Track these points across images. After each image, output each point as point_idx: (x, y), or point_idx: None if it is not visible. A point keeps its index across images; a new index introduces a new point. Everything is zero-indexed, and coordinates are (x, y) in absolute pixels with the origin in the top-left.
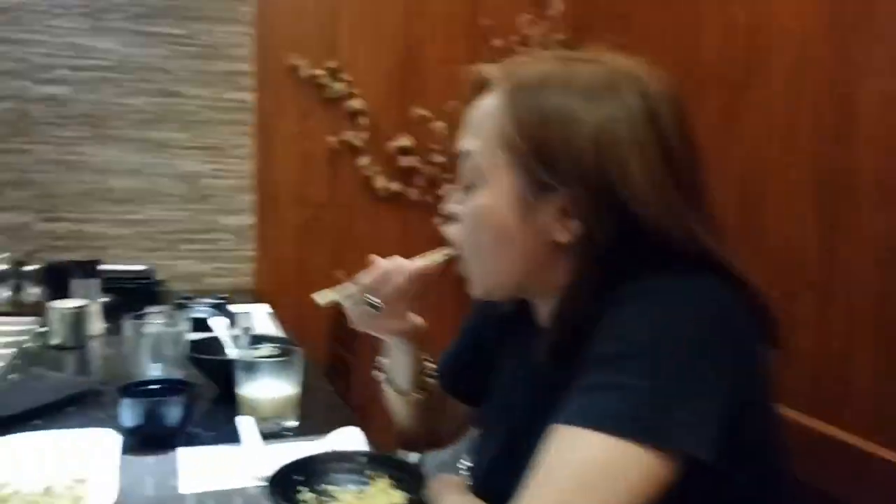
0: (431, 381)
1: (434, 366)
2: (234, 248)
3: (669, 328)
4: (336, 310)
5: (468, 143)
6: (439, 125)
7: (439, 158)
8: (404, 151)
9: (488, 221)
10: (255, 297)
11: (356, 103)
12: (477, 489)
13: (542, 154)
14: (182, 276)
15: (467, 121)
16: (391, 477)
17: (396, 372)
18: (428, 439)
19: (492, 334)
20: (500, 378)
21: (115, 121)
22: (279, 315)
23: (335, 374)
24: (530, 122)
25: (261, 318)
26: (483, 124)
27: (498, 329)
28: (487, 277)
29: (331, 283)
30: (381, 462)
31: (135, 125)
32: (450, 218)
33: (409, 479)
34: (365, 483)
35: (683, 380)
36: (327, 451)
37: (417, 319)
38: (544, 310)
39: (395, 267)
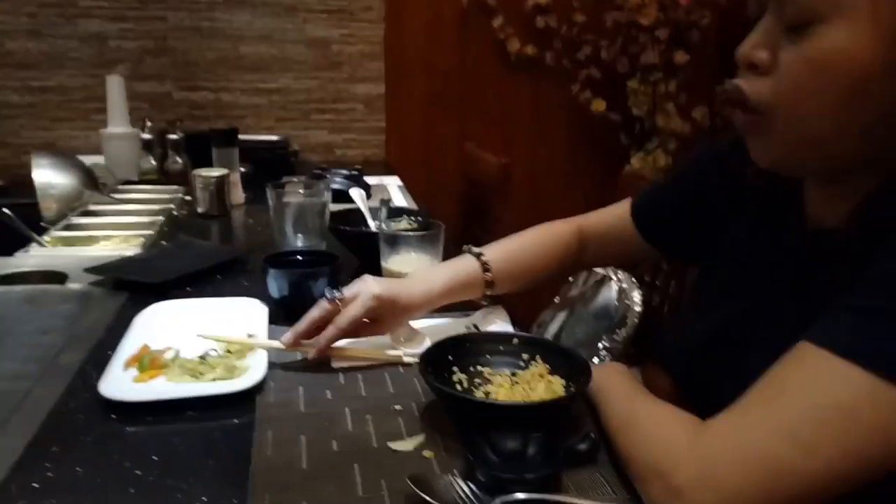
0: (487, 277)
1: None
2: (364, 119)
3: None
4: (467, 184)
5: None
6: None
7: (580, 17)
8: (541, 10)
9: (840, 68)
10: (386, 170)
11: None
12: (672, 366)
13: None
14: (314, 147)
15: None
16: (546, 361)
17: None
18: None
19: (718, 195)
20: (724, 250)
21: None
22: (408, 187)
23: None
24: None
25: (392, 190)
26: None
27: (729, 193)
28: (801, 142)
29: (459, 155)
30: (536, 345)
31: None
32: (753, 68)
33: (567, 365)
34: (519, 367)
35: None
36: (479, 332)
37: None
38: (831, 194)
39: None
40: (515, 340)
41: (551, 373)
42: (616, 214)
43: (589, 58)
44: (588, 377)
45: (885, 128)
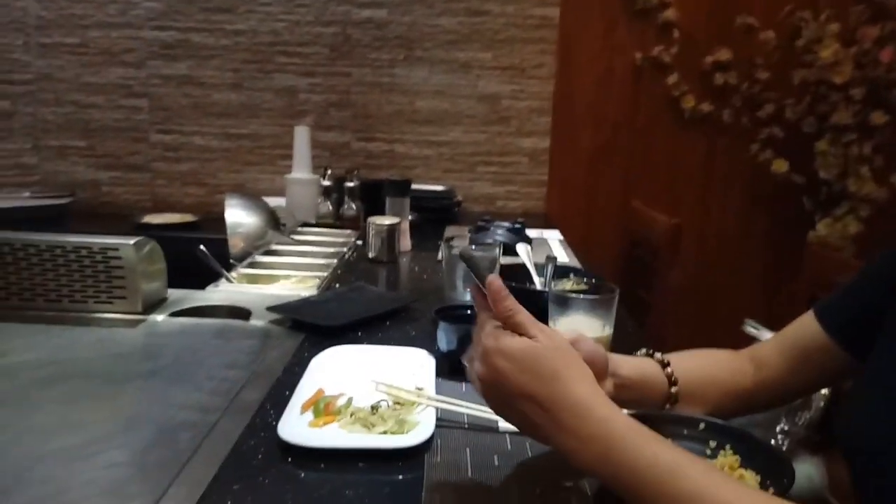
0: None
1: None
2: (527, 172)
3: None
4: (629, 242)
5: None
6: (768, 35)
7: (764, 75)
8: (721, 67)
9: None
10: (545, 222)
11: (670, 14)
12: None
13: None
14: (477, 198)
15: None
16: (738, 452)
17: None
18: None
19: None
20: None
21: (425, 42)
22: (568, 241)
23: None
24: None
25: (553, 244)
26: None
27: None
28: None
29: (623, 211)
30: (726, 433)
31: (442, 46)
32: None
33: (762, 459)
34: (705, 455)
35: None
36: (661, 412)
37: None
38: None
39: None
40: (702, 425)
41: (743, 465)
42: (795, 326)
43: (771, 116)
44: (792, 478)
45: None
